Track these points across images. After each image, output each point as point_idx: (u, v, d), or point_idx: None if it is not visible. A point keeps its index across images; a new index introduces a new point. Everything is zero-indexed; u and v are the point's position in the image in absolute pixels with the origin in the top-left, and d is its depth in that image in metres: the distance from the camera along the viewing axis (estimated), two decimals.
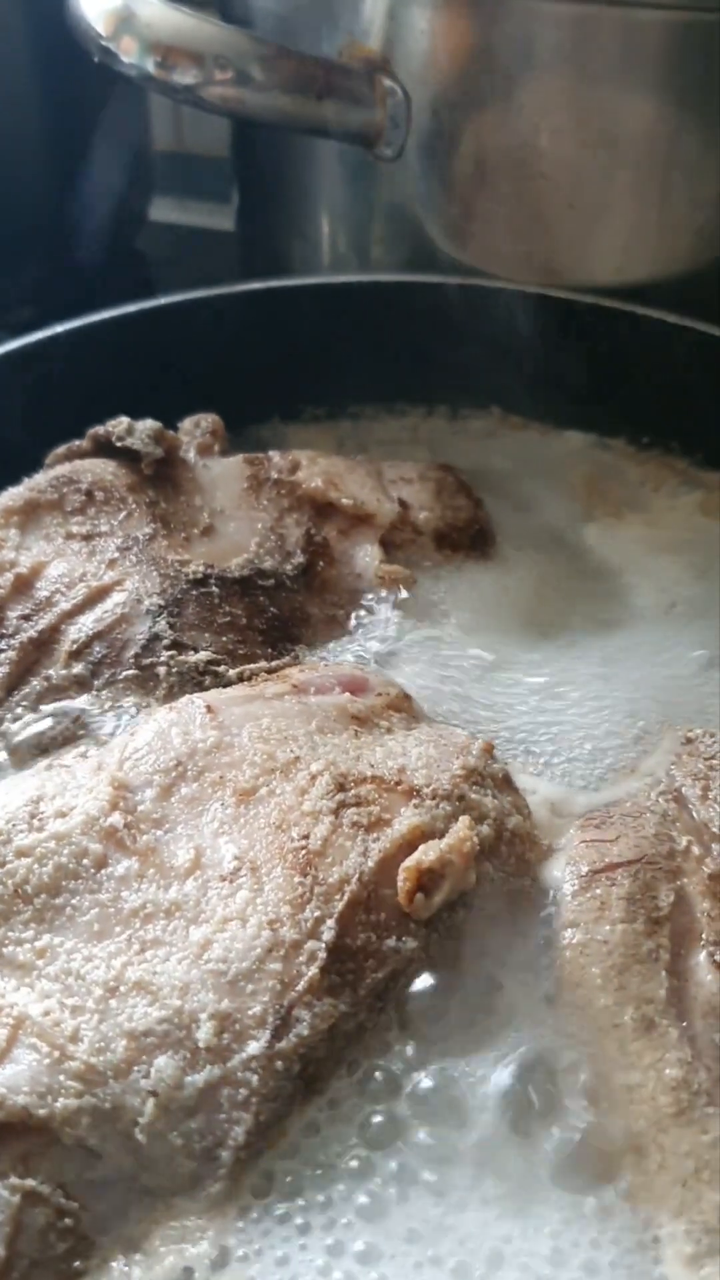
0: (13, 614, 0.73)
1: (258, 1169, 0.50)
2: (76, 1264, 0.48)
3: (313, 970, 0.52)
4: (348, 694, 0.68)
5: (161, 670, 0.70)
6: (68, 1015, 0.51)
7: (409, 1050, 0.54)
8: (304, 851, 0.56)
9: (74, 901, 0.55)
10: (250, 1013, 0.51)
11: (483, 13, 0.91)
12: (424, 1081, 0.53)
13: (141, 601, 0.73)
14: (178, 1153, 0.50)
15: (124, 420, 0.82)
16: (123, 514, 0.78)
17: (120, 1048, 0.50)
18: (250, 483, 0.83)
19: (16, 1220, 0.48)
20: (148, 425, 0.82)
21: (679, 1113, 0.52)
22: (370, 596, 0.81)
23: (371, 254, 1.08)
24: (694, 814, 0.62)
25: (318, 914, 0.54)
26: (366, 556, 0.82)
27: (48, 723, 0.68)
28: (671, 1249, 0.50)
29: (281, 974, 0.52)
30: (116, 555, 0.75)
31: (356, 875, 0.55)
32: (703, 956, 0.56)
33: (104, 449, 0.82)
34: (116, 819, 0.57)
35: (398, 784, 0.60)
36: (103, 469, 0.80)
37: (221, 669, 0.71)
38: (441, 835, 0.57)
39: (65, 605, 0.72)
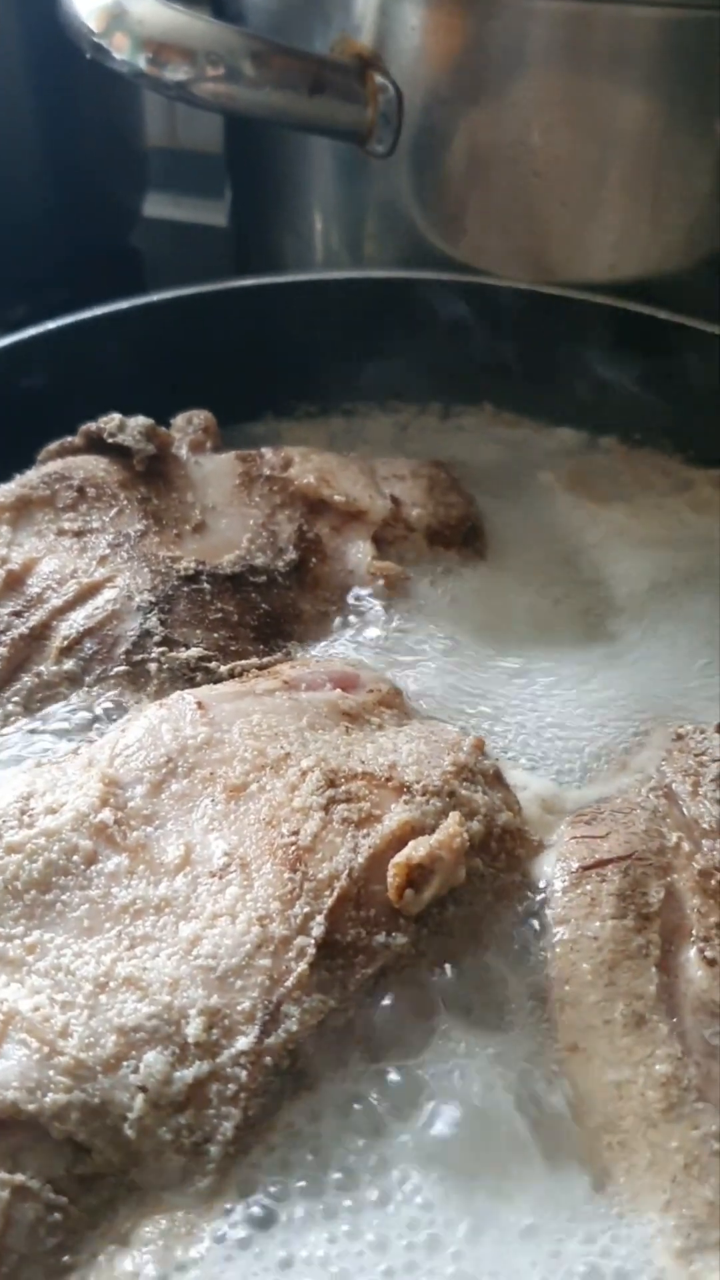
0: (4, 610, 0.72)
1: (247, 1164, 0.50)
2: (65, 1259, 0.48)
3: (302, 966, 0.52)
4: (339, 690, 0.68)
5: (152, 667, 0.70)
6: (57, 1011, 0.51)
7: (399, 1046, 0.54)
8: (294, 847, 0.56)
9: (64, 897, 0.55)
10: (239, 1008, 0.51)
11: (475, 9, 0.91)
12: (415, 1076, 0.53)
13: (133, 598, 0.73)
14: (167, 1148, 0.50)
15: (116, 417, 0.82)
16: (114, 510, 0.78)
17: (110, 1043, 0.51)
18: (242, 479, 0.83)
19: (6, 1215, 0.48)
20: (139, 422, 0.82)
21: (668, 1108, 0.52)
22: (362, 593, 0.81)
23: (364, 250, 1.08)
24: (684, 810, 0.62)
25: (307, 910, 0.54)
26: (358, 553, 0.82)
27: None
28: (661, 1243, 0.50)
29: (271, 970, 0.52)
30: (108, 552, 0.75)
31: (346, 871, 0.55)
32: (693, 952, 0.57)
33: (96, 445, 0.82)
34: (107, 815, 0.57)
35: (388, 780, 0.60)
36: (95, 465, 0.80)
37: (213, 665, 0.71)
38: (432, 831, 0.57)
39: (57, 602, 0.72)
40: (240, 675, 0.70)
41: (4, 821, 0.57)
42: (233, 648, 0.73)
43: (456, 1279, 0.48)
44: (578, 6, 0.88)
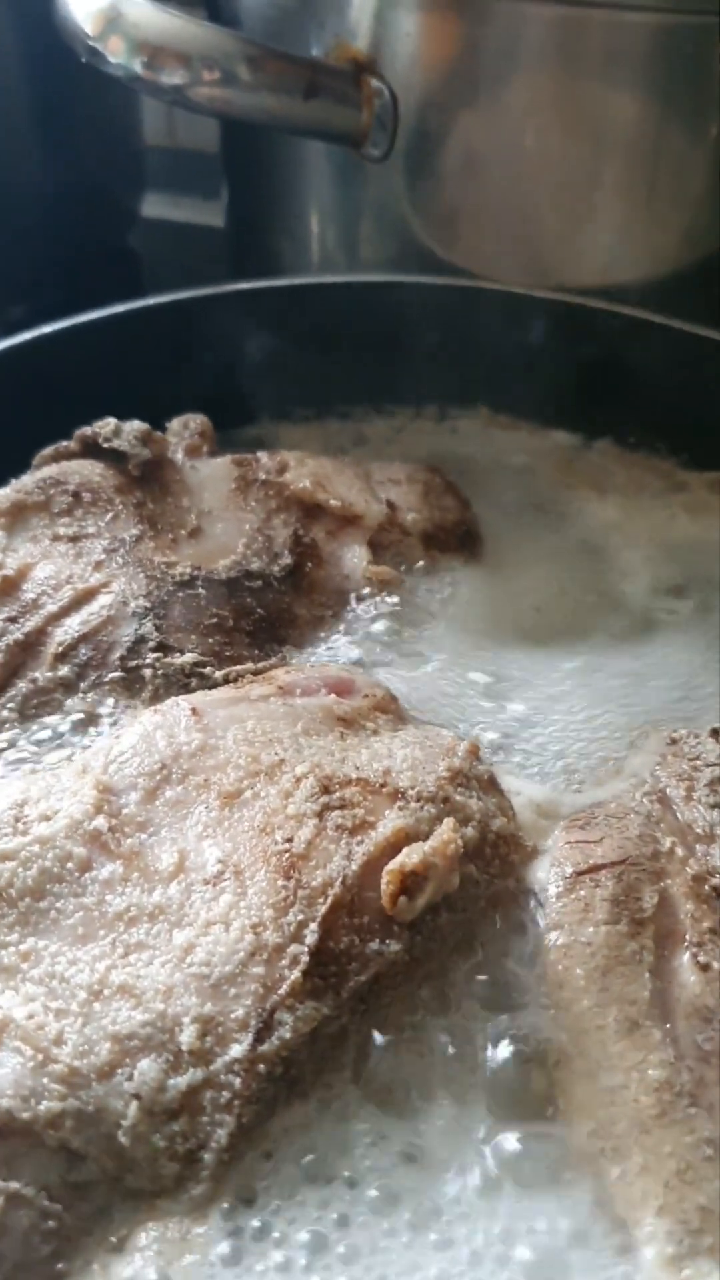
0: None
1: (241, 1171, 0.51)
2: (60, 1266, 0.49)
3: (295, 974, 0.52)
4: (334, 696, 0.68)
5: (147, 672, 0.70)
6: (51, 1018, 0.51)
7: (392, 1051, 0.54)
8: (288, 855, 0.56)
9: (58, 905, 0.55)
10: (233, 1016, 0.51)
11: (469, 14, 0.91)
12: (410, 1081, 0.54)
13: (128, 603, 0.73)
14: (161, 1155, 0.50)
15: (111, 421, 0.82)
16: (109, 516, 0.78)
17: (104, 1051, 0.51)
18: (238, 484, 0.83)
19: (0, 1222, 0.48)
20: (135, 426, 0.82)
21: (661, 1113, 0.52)
22: (358, 598, 0.81)
23: (360, 253, 1.08)
24: (678, 815, 0.62)
25: (301, 917, 0.54)
26: (354, 557, 0.82)
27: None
28: (653, 1250, 0.50)
29: (264, 977, 0.52)
30: (103, 557, 0.75)
31: (340, 878, 0.55)
32: (686, 958, 0.57)
33: (91, 450, 0.82)
34: (101, 822, 0.57)
35: (383, 786, 0.60)
36: (90, 470, 0.80)
37: (207, 671, 0.71)
38: (426, 838, 0.57)
39: (51, 607, 0.72)
40: (235, 681, 0.70)
41: None
42: (228, 653, 0.73)
43: None
44: (571, 11, 0.88)
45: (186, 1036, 0.51)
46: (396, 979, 0.56)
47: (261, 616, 0.76)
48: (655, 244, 0.99)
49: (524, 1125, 0.53)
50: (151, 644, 0.71)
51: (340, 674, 0.71)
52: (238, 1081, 0.50)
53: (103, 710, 0.70)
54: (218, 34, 0.91)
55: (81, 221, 1.31)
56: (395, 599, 0.81)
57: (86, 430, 0.82)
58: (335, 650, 0.78)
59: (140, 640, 0.71)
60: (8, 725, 0.69)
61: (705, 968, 0.56)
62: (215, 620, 0.74)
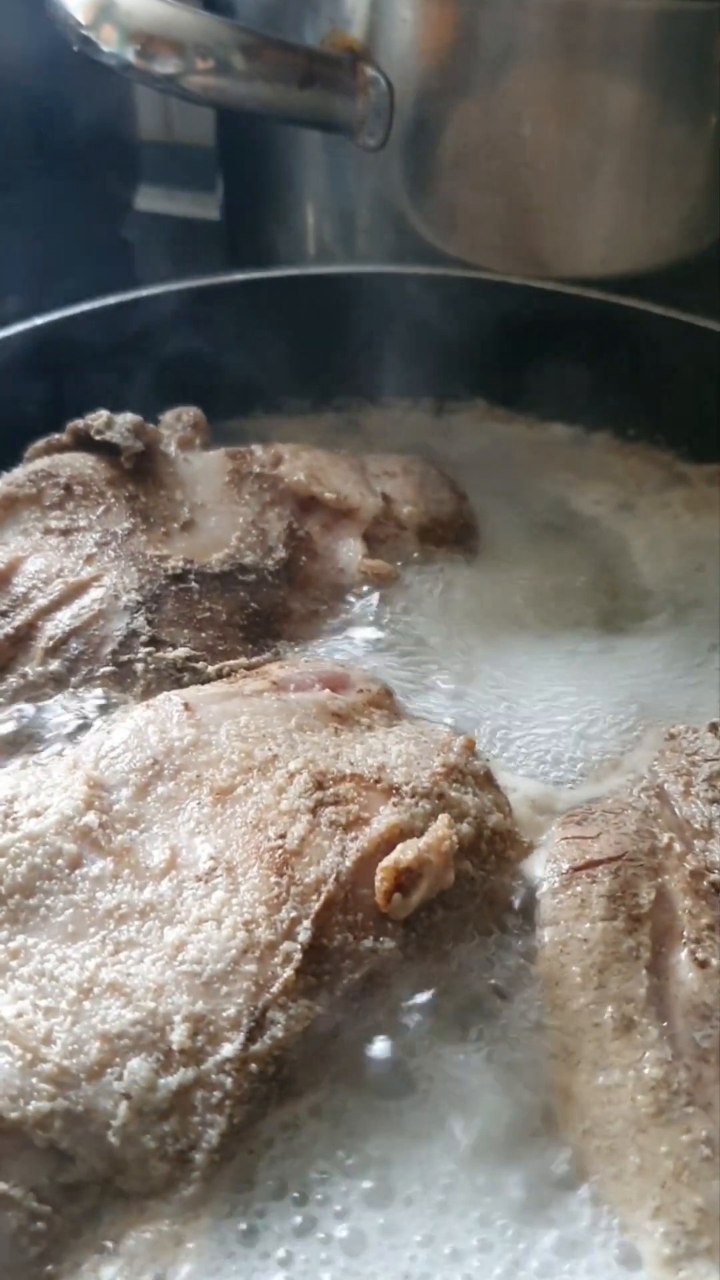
0: None
1: (232, 1172, 0.50)
2: (49, 1268, 0.48)
3: (288, 972, 0.52)
4: (328, 690, 0.68)
5: (139, 667, 0.70)
6: (41, 1017, 0.51)
7: (386, 1049, 0.54)
8: (281, 851, 0.55)
9: (48, 902, 0.55)
10: (225, 1015, 0.51)
11: (467, 1, 0.90)
12: (405, 1083, 0.53)
13: (119, 597, 0.72)
14: (151, 1155, 0.49)
15: (103, 414, 0.81)
16: (101, 509, 0.77)
17: (93, 1050, 0.50)
18: (232, 477, 0.82)
19: None
20: (127, 419, 0.81)
21: (658, 1112, 0.52)
22: (353, 591, 0.80)
23: (356, 244, 1.07)
24: (676, 810, 0.62)
25: (294, 915, 0.53)
26: (349, 551, 0.82)
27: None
28: (650, 1251, 0.49)
29: (256, 975, 0.52)
30: (95, 550, 0.75)
31: (334, 875, 0.55)
32: (684, 954, 0.56)
33: (83, 443, 0.81)
34: (91, 818, 0.57)
35: (377, 782, 0.60)
36: (82, 463, 0.80)
37: (200, 666, 0.70)
38: (421, 834, 0.57)
39: (42, 601, 0.72)
40: (228, 676, 0.70)
41: None
42: (221, 648, 0.73)
43: None
44: None
45: (177, 1035, 0.50)
46: (391, 977, 0.55)
47: (255, 611, 0.76)
48: (654, 235, 0.99)
49: (521, 1123, 0.53)
50: (143, 638, 0.71)
51: (335, 669, 0.70)
52: (229, 1081, 0.50)
53: (94, 705, 0.69)
54: (212, 22, 0.90)
55: (75, 214, 1.30)
56: (390, 593, 0.81)
57: (79, 422, 0.81)
58: (330, 645, 0.77)
59: (132, 634, 0.71)
60: None
61: (703, 964, 0.55)
62: (208, 614, 0.74)
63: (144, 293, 0.95)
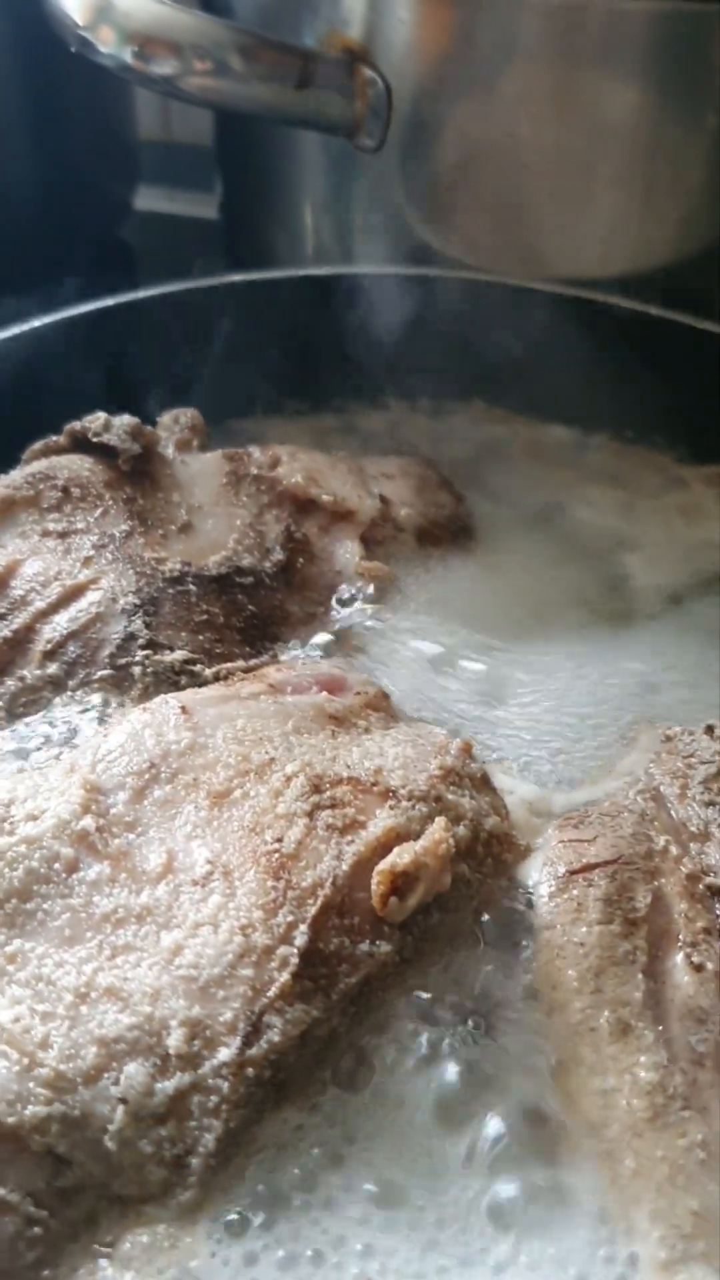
0: None
1: (228, 1176, 0.50)
2: (46, 1272, 0.48)
3: (285, 976, 0.52)
4: (325, 693, 0.68)
5: (136, 670, 0.70)
6: (38, 1022, 0.51)
7: (383, 1054, 0.54)
8: (277, 855, 0.55)
9: (45, 906, 0.54)
10: (221, 1019, 0.51)
11: (465, 2, 0.90)
12: (403, 1084, 0.53)
13: (117, 600, 0.72)
14: (148, 1160, 0.49)
15: (101, 416, 0.81)
16: (99, 511, 0.77)
17: (90, 1054, 0.50)
18: (229, 479, 0.82)
19: None
20: (125, 421, 0.81)
21: (654, 1117, 0.52)
22: (350, 594, 0.80)
23: (354, 245, 1.07)
24: (672, 813, 0.62)
25: (290, 919, 0.53)
26: (347, 553, 0.82)
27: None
28: (646, 1255, 0.49)
29: (253, 980, 0.52)
30: (92, 553, 0.75)
31: (330, 879, 0.55)
32: (680, 958, 0.56)
33: (81, 444, 0.81)
34: (88, 822, 0.57)
35: (374, 785, 0.60)
36: (79, 465, 0.80)
37: (198, 668, 0.70)
38: (417, 837, 0.57)
39: (40, 604, 0.72)
40: (225, 678, 0.70)
41: None
42: (218, 650, 0.73)
43: None
44: None
45: (174, 1040, 0.50)
46: (387, 980, 0.55)
47: (253, 613, 0.76)
48: (652, 234, 0.99)
49: (519, 1128, 0.53)
50: (141, 641, 0.71)
51: (332, 671, 0.70)
52: (226, 1085, 0.50)
53: (91, 708, 0.69)
54: (209, 23, 0.90)
55: (75, 214, 1.30)
56: (388, 595, 0.80)
57: (76, 425, 0.81)
58: (327, 647, 0.77)
59: (130, 637, 0.71)
60: None
61: (699, 968, 0.55)
62: (206, 617, 0.74)
63: (142, 294, 0.95)
